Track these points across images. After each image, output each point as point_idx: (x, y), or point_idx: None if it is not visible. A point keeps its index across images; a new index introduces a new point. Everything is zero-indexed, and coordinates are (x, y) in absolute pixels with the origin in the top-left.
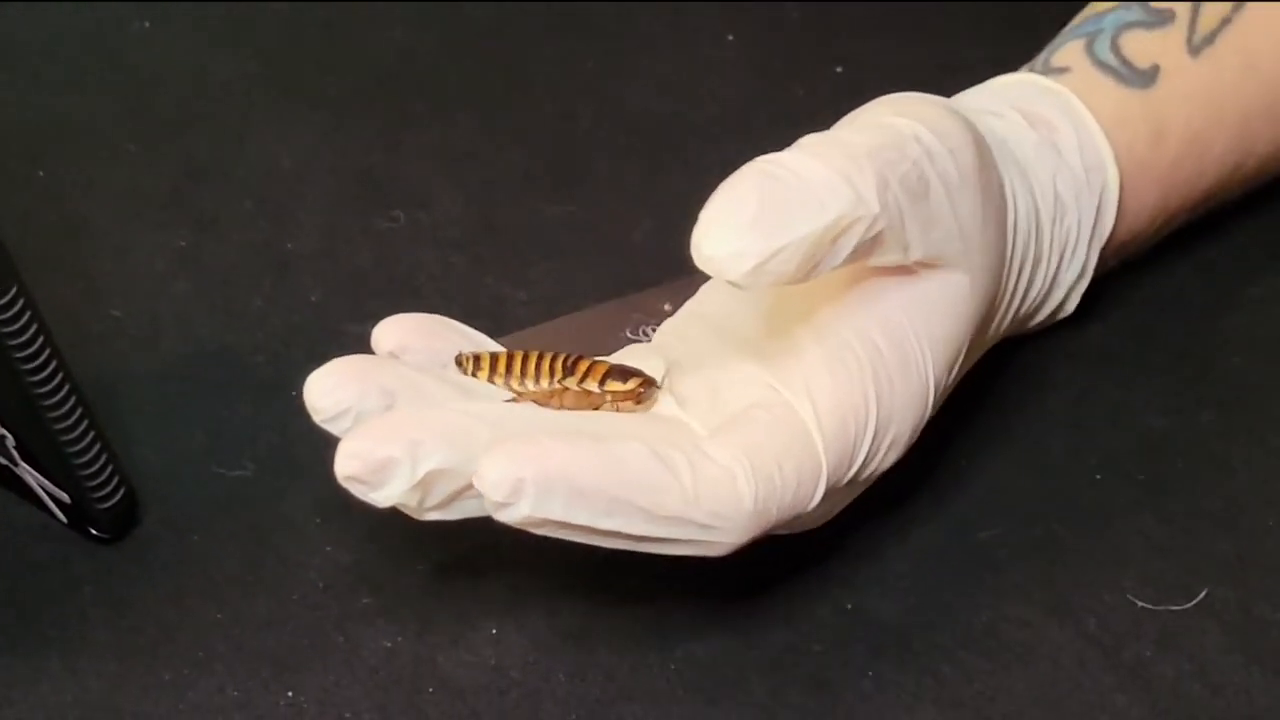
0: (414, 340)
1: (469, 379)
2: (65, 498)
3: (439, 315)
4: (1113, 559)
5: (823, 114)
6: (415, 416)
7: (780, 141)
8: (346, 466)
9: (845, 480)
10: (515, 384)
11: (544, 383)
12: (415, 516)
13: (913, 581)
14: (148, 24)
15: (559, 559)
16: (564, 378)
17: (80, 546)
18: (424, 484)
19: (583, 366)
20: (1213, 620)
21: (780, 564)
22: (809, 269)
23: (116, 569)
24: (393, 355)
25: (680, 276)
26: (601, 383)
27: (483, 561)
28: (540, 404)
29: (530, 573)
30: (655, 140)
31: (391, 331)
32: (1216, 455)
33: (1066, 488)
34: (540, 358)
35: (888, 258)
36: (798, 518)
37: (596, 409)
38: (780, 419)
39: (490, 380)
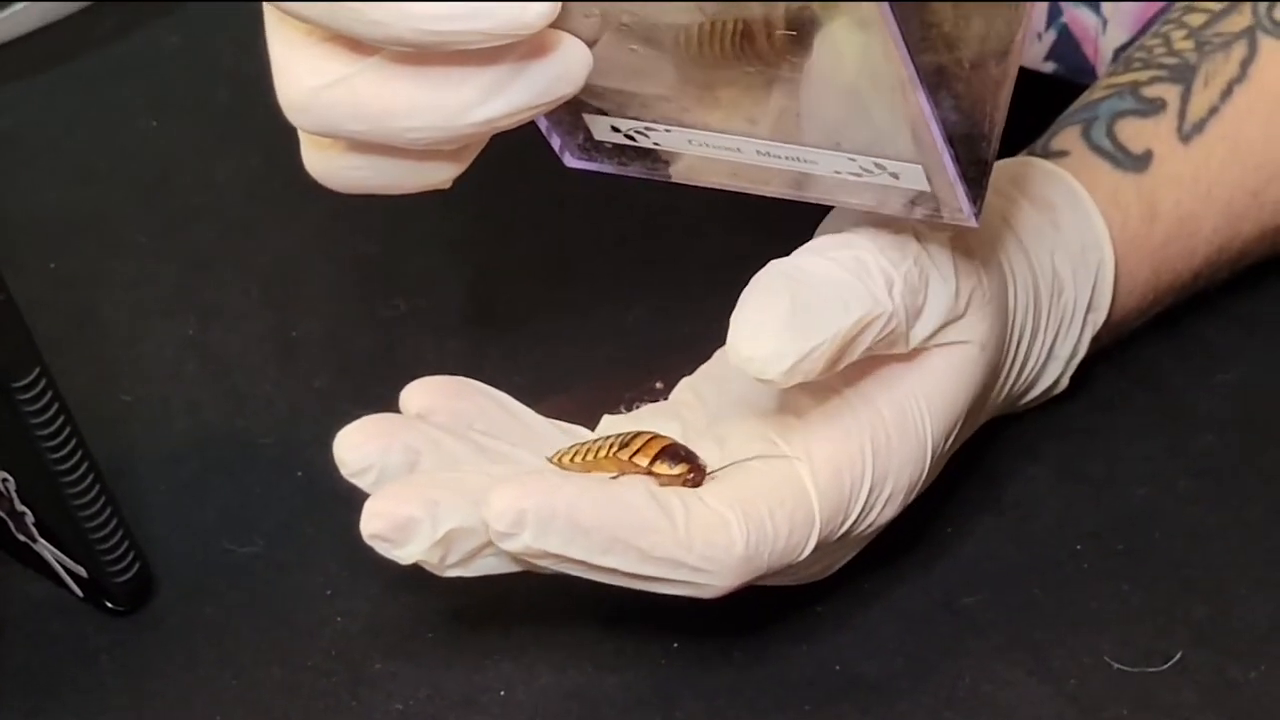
0: (440, 401)
1: (488, 439)
2: (82, 572)
3: (463, 377)
4: (1092, 623)
5: (804, 207)
6: (436, 477)
7: (758, 233)
8: (371, 525)
9: (840, 533)
10: (570, 461)
11: (596, 456)
12: (437, 573)
13: (899, 643)
14: (155, 123)
15: (564, 625)
16: (617, 450)
17: (96, 619)
18: (444, 542)
19: (637, 443)
20: (1187, 681)
21: (772, 626)
22: (836, 365)
23: (132, 640)
24: (419, 415)
25: (668, 356)
26: (651, 463)
27: (491, 628)
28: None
29: (537, 637)
30: (645, 230)
31: (418, 393)
32: (1192, 526)
33: (1048, 555)
34: (595, 443)
35: (895, 349)
36: (791, 567)
37: None
38: (776, 470)
39: (555, 463)
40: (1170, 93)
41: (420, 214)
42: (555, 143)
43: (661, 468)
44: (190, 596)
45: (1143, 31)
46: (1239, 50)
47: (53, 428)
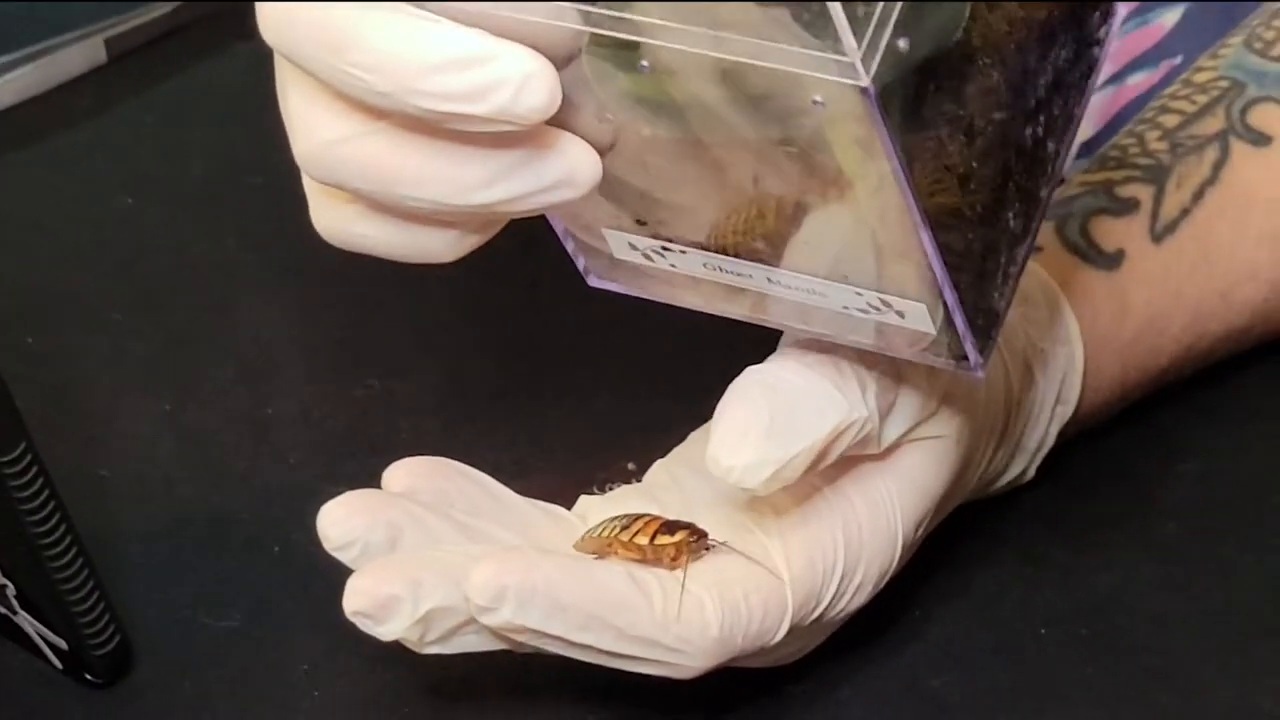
0: (422, 481)
1: (469, 518)
2: (62, 644)
3: (445, 458)
4: (1056, 707)
5: None
6: (418, 556)
7: (724, 319)
8: (353, 602)
9: (812, 618)
10: (582, 544)
11: (601, 536)
12: (416, 650)
13: None
14: (130, 200)
15: (541, 702)
16: (619, 533)
17: (76, 692)
18: (425, 620)
19: (637, 525)
20: None
21: (745, 706)
22: (813, 470)
23: (111, 713)
24: (402, 494)
25: (639, 437)
26: (652, 538)
27: (469, 703)
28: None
29: (513, 713)
30: (612, 314)
31: (401, 472)
32: (1154, 612)
33: (1014, 639)
34: (600, 527)
35: (867, 450)
36: (764, 649)
37: (646, 562)
38: (751, 555)
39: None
40: (1144, 193)
41: (394, 295)
42: (580, 263)
43: (662, 539)
44: (169, 670)
45: (1110, 125)
46: (1211, 153)
47: (37, 501)
